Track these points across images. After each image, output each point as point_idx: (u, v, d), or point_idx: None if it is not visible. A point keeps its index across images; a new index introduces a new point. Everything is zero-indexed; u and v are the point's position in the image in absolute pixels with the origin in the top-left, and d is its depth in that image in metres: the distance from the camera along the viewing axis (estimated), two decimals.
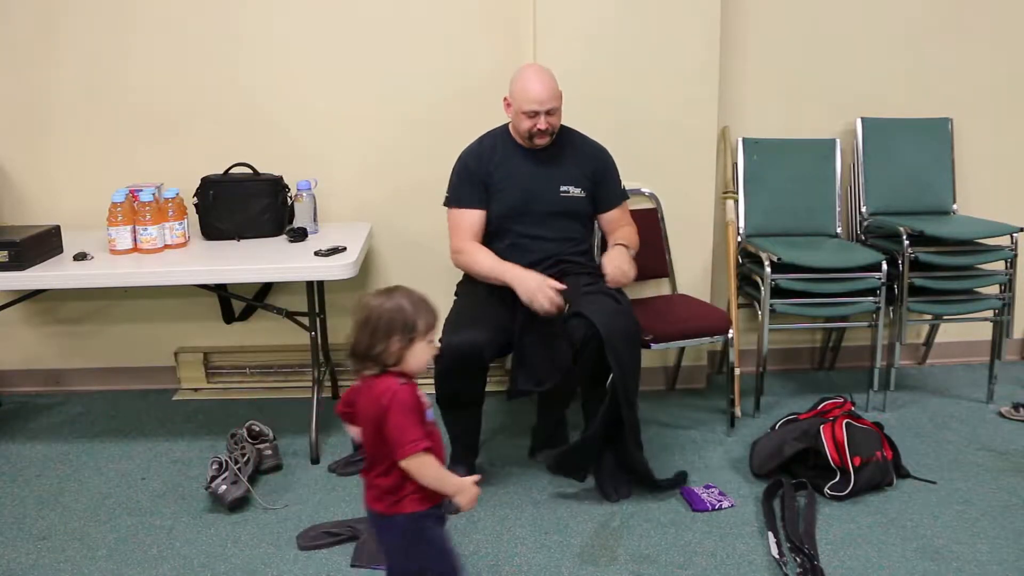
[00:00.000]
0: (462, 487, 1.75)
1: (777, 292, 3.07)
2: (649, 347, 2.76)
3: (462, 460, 2.68)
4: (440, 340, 2.50)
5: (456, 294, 2.81)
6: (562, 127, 2.75)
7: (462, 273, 2.88)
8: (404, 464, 1.69)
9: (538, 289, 2.49)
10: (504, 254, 2.71)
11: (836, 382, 3.50)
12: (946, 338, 3.65)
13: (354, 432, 1.83)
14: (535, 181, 2.70)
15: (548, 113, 2.61)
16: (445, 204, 2.77)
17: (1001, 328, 3.26)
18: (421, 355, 1.74)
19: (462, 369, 2.50)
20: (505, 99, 2.69)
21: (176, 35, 3.23)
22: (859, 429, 2.64)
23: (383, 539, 1.83)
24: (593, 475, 2.67)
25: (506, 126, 2.77)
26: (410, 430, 1.69)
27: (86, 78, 3.25)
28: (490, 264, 2.65)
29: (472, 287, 2.78)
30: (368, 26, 3.25)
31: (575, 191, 2.73)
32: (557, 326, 2.51)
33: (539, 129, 2.62)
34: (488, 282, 2.66)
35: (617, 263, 2.62)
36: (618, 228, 2.83)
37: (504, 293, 2.68)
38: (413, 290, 1.77)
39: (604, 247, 3.00)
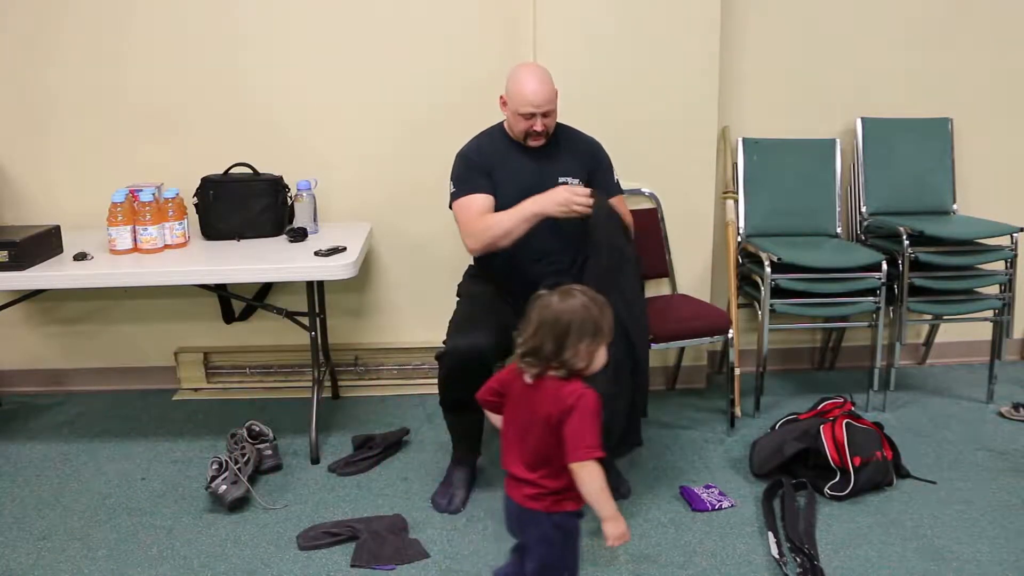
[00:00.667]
0: (618, 516, 1.72)
1: (777, 292, 3.07)
2: (649, 347, 2.76)
3: (465, 461, 2.68)
4: (444, 343, 2.51)
5: (458, 295, 2.81)
6: (556, 124, 2.75)
7: (463, 273, 2.88)
8: (575, 467, 1.68)
9: (569, 200, 2.48)
10: (505, 252, 2.70)
11: (836, 382, 3.50)
12: (946, 338, 3.65)
13: (496, 420, 1.86)
14: (534, 176, 2.69)
15: (544, 115, 2.60)
16: (452, 198, 2.70)
17: (1001, 328, 3.26)
18: (602, 357, 1.73)
19: (466, 372, 2.49)
20: (501, 97, 2.67)
21: (176, 35, 3.23)
22: (859, 429, 2.64)
23: (531, 533, 1.81)
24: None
25: (501, 124, 2.77)
26: (590, 435, 1.68)
27: (86, 78, 3.25)
28: (507, 216, 2.57)
29: (474, 288, 2.78)
30: (368, 26, 3.25)
31: (573, 182, 2.72)
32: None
33: (535, 131, 2.61)
34: (516, 236, 2.57)
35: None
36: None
37: (507, 293, 2.68)
38: (588, 289, 1.77)
39: None
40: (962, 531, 2.42)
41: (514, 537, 1.87)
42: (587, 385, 1.72)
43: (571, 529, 1.79)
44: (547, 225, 2.68)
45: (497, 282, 2.73)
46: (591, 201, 2.48)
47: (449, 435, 2.70)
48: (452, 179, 2.72)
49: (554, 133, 2.74)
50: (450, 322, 2.60)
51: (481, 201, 2.65)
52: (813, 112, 3.43)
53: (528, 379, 1.75)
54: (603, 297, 1.76)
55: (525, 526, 1.81)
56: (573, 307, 1.70)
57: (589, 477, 1.68)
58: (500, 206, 2.69)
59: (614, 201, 2.84)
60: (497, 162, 2.71)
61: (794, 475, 2.63)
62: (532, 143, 2.66)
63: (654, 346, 2.79)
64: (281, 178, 3.17)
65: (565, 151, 2.75)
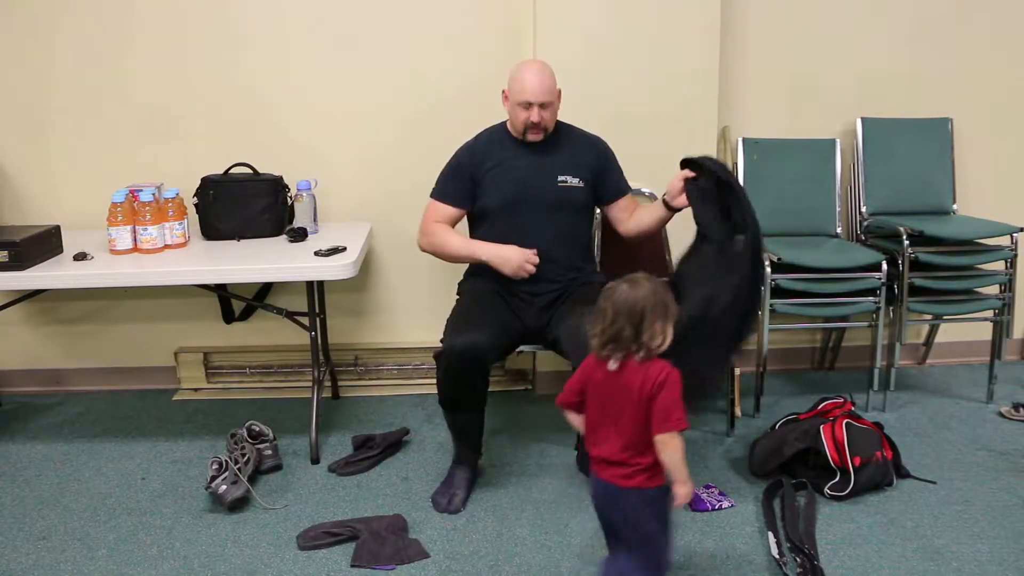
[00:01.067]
0: (690, 482, 1.87)
1: (777, 292, 3.07)
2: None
3: (466, 461, 2.68)
4: (441, 342, 2.51)
5: (458, 293, 2.81)
6: (559, 123, 2.76)
7: (464, 271, 2.88)
8: (663, 438, 1.82)
9: (521, 265, 2.59)
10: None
11: (836, 382, 3.50)
12: (946, 338, 3.65)
13: (576, 421, 1.98)
14: (531, 172, 2.70)
15: (541, 107, 2.61)
16: (431, 195, 2.79)
17: (1001, 328, 3.26)
18: (670, 335, 1.86)
19: (463, 371, 2.50)
20: (504, 91, 2.69)
21: (176, 35, 3.23)
22: (859, 429, 2.64)
23: (630, 511, 1.90)
24: (578, 463, 2.75)
25: (503, 123, 2.78)
26: (677, 408, 1.83)
27: (86, 78, 3.25)
28: (460, 243, 2.70)
29: (474, 286, 2.78)
30: (368, 26, 3.25)
31: (573, 181, 2.72)
32: None
33: (532, 122, 2.62)
34: (460, 262, 2.73)
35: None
36: (633, 212, 2.81)
37: (507, 292, 2.69)
38: (648, 275, 1.89)
39: (604, 241, 3.01)
40: (962, 531, 2.42)
41: (610, 520, 1.97)
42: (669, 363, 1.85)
43: (666, 501, 1.91)
44: (548, 226, 2.69)
45: (498, 280, 2.73)
46: (533, 267, 2.59)
47: (450, 435, 2.70)
48: (440, 173, 2.78)
49: (557, 131, 2.74)
50: (447, 321, 2.61)
51: (445, 213, 2.75)
52: (813, 112, 3.43)
53: (612, 366, 1.86)
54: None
55: (624, 505, 1.91)
56: (644, 293, 1.83)
57: (674, 447, 1.83)
58: (495, 200, 2.70)
59: (627, 198, 2.84)
60: (493, 160, 2.71)
61: (794, 475, 2.63)
62: (531, 137, 2.67)
63: None
64: (281, 178, 3.17)
65: (566, 148, 2.74)
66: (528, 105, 2.61)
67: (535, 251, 2.63)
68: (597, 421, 1.92)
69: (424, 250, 2.80)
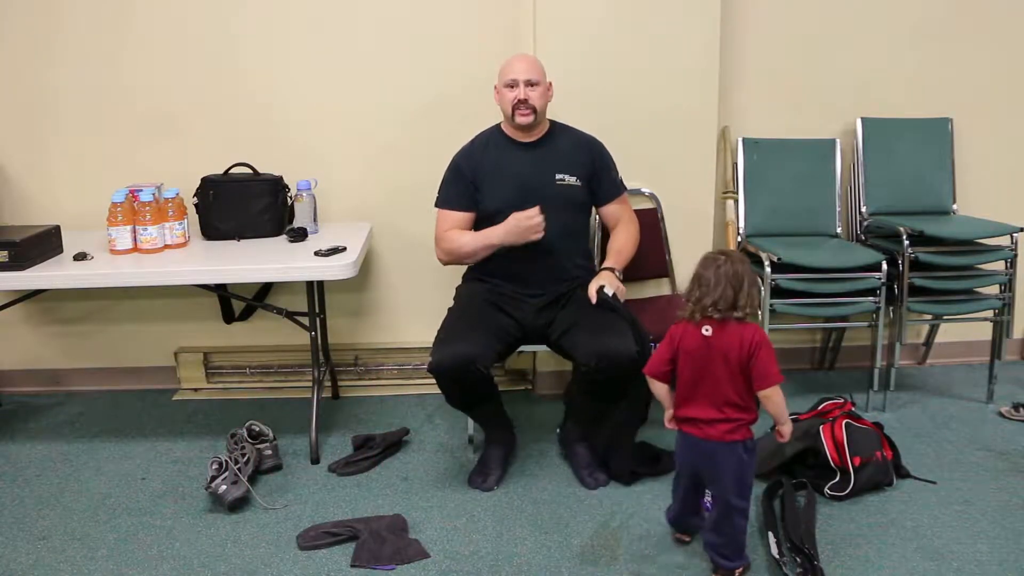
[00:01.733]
0: (789, 420, 2.14)
1: (777, 292, 3.07)
2: (650, 348, 2.76)
3: (497, 440, 2.76)
4: (431, 354, 2.52)
5: (454, 298, 2.81)
6: (554, 123, 2.78)
7: (462, 274, 2.88)
8: (767, 392, 2.06)
9: (528, 228, 2.59)
10: (502, 252, 2.70)
11: (836, 382, 3.50)
12: (946, 338, 3.65)
13: (663, 392, 2.19)
14: (529, 172, 2.71)
15: (528, 84, 2.64)
16: (435, 204, 2.80)
17: (1001, 328, 3.26)
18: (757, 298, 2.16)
19: (459, 382, 2.53)
20: (495, 87, 2.73)
21: (176, 35, 3.23)
22: (859, 429, 2.64)
23: (729, 462, 2.12)
24: (569, 463, 2.77)
25: (498, 125, 2.79)
26: (774, 364, 2.06)
27: (86, 78, 3.25)
28: (471, 239, 2.71)
29: (469, 291, 2.79)
30: (368, 26, 3.25)
31: (571, 179, 2.73)
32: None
33: (519, 100, 2.64)
34: (480, 258, 2.74)
35: (593, 291, 2.63)
36: (618, 223, 2.84)
37: (501, 297, 2.68)
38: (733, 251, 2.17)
39: (604, 240, 3.01)
40: (962, 531, 2.42)
41: (703, 476, 2.19)
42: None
43: (753, 449, 2.15)
44: (549, 225, 2.68)
45: (494, 283, 2.73)
46: (540, 219, 2.59)
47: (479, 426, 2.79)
48: (441, 181, 2.79)
49: (552, 131, 2.76)
50: (437, 332, 2.62)
51: (454, 219, 2.75)
52: (813, 112, 3.43)
53: (707, 331, 2.08)
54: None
55: (723, 458, 2.12)
56: (741, 264, 2.09)
57: (778, 397, 2.08)
58: (495, 201, 2.70)
59: (618, 201, 2.85)
60: (490, 162, 2.72)
61: (794, 475, 2.63)
62: (520, 119, 2.67)
63: (654, 346, 2.79)
64: (281, 178, 3.17)
65: (563, 147, 2.76)
66: (514, 83, 2.64)
67: (535, 209, 2.60)
68: (692, 383, 2.12)
69: (444, 261, 2.81)
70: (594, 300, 2.60)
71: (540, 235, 2.61)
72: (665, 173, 3.26)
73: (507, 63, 2.72)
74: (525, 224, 2.60)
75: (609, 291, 2.60)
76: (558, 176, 2.72)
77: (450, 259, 2.78)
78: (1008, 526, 2.44)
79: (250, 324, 3.43)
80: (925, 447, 2.91)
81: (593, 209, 2.91)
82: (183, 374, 3.48)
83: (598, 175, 2.79)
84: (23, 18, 3.19)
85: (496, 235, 2.66)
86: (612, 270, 2.71)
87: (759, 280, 2.12)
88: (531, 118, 2.67)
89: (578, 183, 2.74)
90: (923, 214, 3.36)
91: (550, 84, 2.74)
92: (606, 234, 2.96)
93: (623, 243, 2.80)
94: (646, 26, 3.15)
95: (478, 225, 2.78)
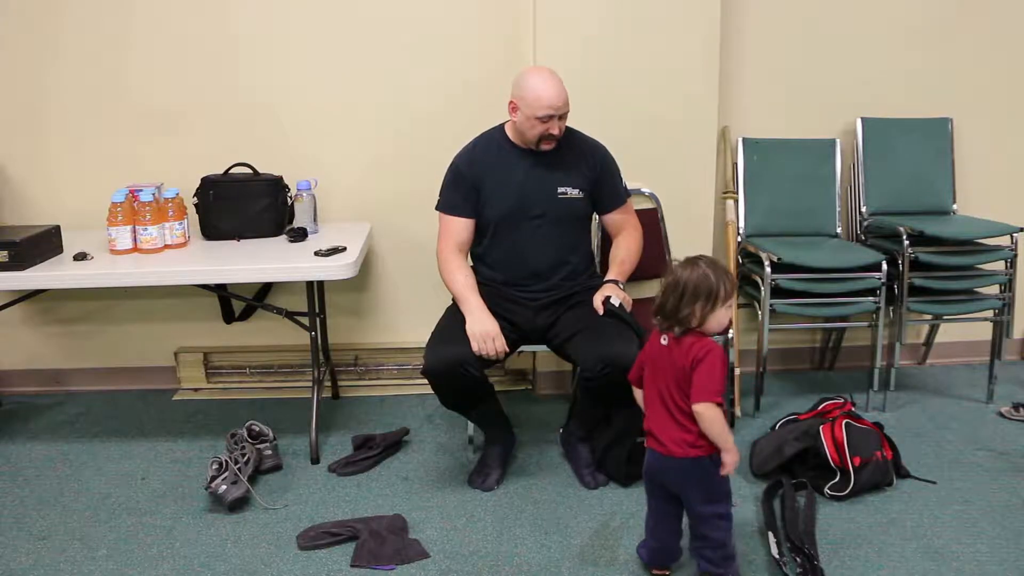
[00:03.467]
0: (735, 449, 2.00)
1: (777, 292, 3.07)
2: None
3: (495, 440, 2.76)
4: (424, 356, 2.52)
5: (452, 299, 2.81)
6: None
7: None
8: (699, 408, 1.94)
9: (481, 338, 2.52)
10: (501, 261, 2.70)
11: (836, 382, 3.50)
12: (946, 338, 3.65)
13: (640, 397, 2.13)
14: (531, 183, 2.66)
15: (560, 117, 2.56)
16: (436, 208, 2.75)
17: (1001, 328, 3.26)
18: (722, 318, 1.98)
19: (452, 384, 2.53)
20: (512, 102, 2.60)
21: (176, 35, 3.23)
22: (859, 429, 2.64)
23: (695, 477, 2.04)
24: (569, 463, 2.77)
25: (501, 127, 2.74)
26: (716, 382, 1.94)
27: (86, 78, 3.25)
28: (457, 289, 2.65)
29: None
30: (368, 26, 3.25)
31: (573, 192, 2.69)
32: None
33: (551, 134, 2.57)
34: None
35: (599, 302, 2.62)
36: (621, 231, 2.81)
37: (499, 300, 2.68)
38: (716, 259, 2.01)
39: (604, 248, 3.01)
40: (962, 531, 2.42)
41: (672, 490, 2.09)
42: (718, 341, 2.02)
43: (718, 467, 2.02)
44: (549, 237, 2.68)
45: (495, 286, 2.72)
46: (500, 349, 2.54)
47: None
48: (442, 184, 2.75)
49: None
50: (431, 334, 2.62)
51: (457, 227, 2.71)
52: (813, 112, 3.43)
53: (664, 340, 2.02)
54: (726, 267, 2.01)
55: (688, 474, 2.04)
56: (692, 274, 1.95)
57: (710, 417, 1.94)
58: (495, 212, 2.68)
59: (621, 210, 2.83)
60: (492, 169, 2.68)
61: (794, 475, 2.63)
62: (544, 147, 2.61)
63: None
64: (281, 178, 3.17)
65: (567, 157, 2.70)
66: (549, 118, 2.54)
67: (502, 342, 2.53)
68: (649, 393, 2.07)
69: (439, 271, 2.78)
70: (601, 311, 2.59)
71: (492, 356, 2.54)
72: (665, 173, 3.26)
73: (534, 86, 2.53)
74: (483, 342, 2.51)
75: (616, 302, 2.59)
76: (560, 189, 2.67)
77: (440, 273, 2.74)
78: (1008, 526, 2.44)
79: (250, 324, 3.43)
80: (925, 447, 2.91)
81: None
82: (183, 374, 3.49)
83: (601, 184, 2.74)
84: (23, 18, 3.19)
85: (467, 312, 2.58)
86: (616, 282, 2.69)
87: (718, 291, 1.94)
88: (555, 146, 2.62)
89: (580, 195, 2.70)
90: (923, 214, 3.36)
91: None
92: (606, 237, 2.95)
93: (626, 254, 2.77)
94: (646, 26, 3.14)
95: (477, 231, 2.74)
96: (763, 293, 3.07)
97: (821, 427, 2.63)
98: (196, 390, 3.48)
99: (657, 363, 2.04)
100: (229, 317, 3.39)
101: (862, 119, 3.40)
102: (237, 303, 3.37)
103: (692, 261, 1.98)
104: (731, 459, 1.99)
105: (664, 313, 1.99)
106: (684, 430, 2.00)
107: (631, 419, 2.63)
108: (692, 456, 2.01)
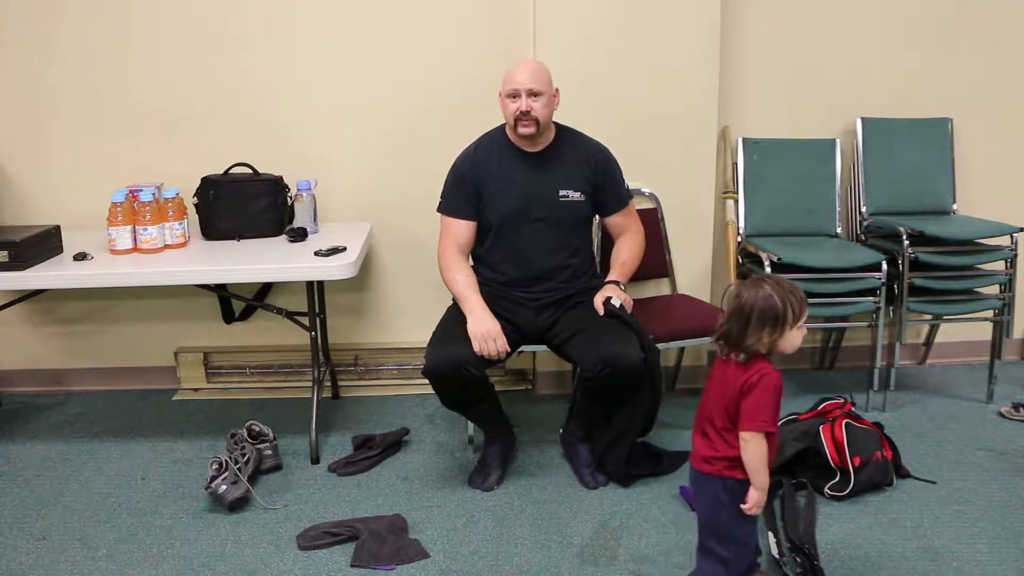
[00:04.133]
0: (765, 489, 1.86)
1: None
2: (656, 356, 2.75)
3: (495, 439, 2.76)
4: (425, 356, 2.52)
5: (453, 299, 2.81)
6: (561, 128, 2.73)
7: None
8: (746, 435, 1.82)
9: (483, 338, 2.51)
10: (502, 263, 2.70)
11: (836, 382, 3.50)
12: (946, 338, 3.65)
13: None
14: (532, 186, 2.66)
15: (531, 95, 2.54)
16: (438, 209, 2.75)
17: (1001, 328, 3.26)
18: (794, 340, 1.86)
19: (451, 384, 2.52)
20: (500, 94, 2.64)
21: (176, 35, 3.23)
22: (859, 429, 2.64)
23: (704, 496, 1.97)
24: (569, 463, 2.77)
25: (502, 127, 2.74)
26: (766, 410, 1.82)
27: (86, 78, 3.25)
28: (459, 289, 2.66)
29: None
30: (368, 26, 3.25)
31: (575, 195, 2.68)
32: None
33: (521, 112, 2.55)
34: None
35: (600, 303, 2.63)
36: (623, 233, 2.82)
37: (499, 300, 2.68)
38: (782, 279, 1.88)
39: (605, 249, 3.01)
40: (962, 531, 2.42)
41: (695, 507, 2.06)
42: (775, 368, 1.85)
43: (739, 495, 1.88)
44: (550, 240, 2.68)
45: (495, 287, 2.72)
46: (502, 350, 2.53)
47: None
48: (444, 185, 2.75)
49: (558, 138, 2.71)
50: (432, 333, 2.62)
51: (458, 228, 2.71)
52: (813, 112, 3.43)
53: (724, 357, 1.90)
54: (794, 287, 1.86)
55: (699, 489, 1.98)
56: (757, 298, 1.82)
57: (757, 448, 1.83)
58: (496, 214, 2.68)
59: (622, 213, 2.82)
60: (493, 172, 2.68)
61: (794, 475, 2.63)
62: (522, 129, 2.59)
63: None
64: (281, 178, 3.17)
65: (568, 160, 2.70)
66: (516, 93, 2.55)
67: (503, 342, 2.54)
68: (699, 410, 1.97)
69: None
70: (602, 312, 2.59)
71: (487, 355, 2.53)
72: (665, 173, 3.26)
73: (510, 71, 2.60)
74: (485, 342, 2.51)
75: (616, 303, 2.60)
76: (561, 192, 2.67)
77: (441, 273, 2.75)
78: (1008, 526, 2.44)
79: (250, 324, 3.43)
80: (925, 447, 2.91)
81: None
82: (183, 374, 3.49)
83: (603, 187, 2.74)
84: (23, 18, 3.20)
85: (468, 312, 2.58)
86: (617, 283, 2.69)
87: (785, 315, 1.81)
88: (532, 129, 2.58)
89: (581, 198, 2.69)
90: (923, 214, 3.36)
91: (556, 91, 2.64)
92: (607, 238, 2.95)
93: (627, 256, 2.77)
94: (646, 26, 3.15)
95: (479, 233, 2.74)
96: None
97: (821, 427, 2.63)
98: (196, 390, 3.48)
99: (714, 383, 1.93)
100: (229, 317, 3.39)
101: (862, 119, 3.40)
102: (237, 303, 3.37)
103: (757, 282, 1.86)
104: (756, 498, 1.86)
105: (729, 340, 1.87)
106: (707, 443, 1.92)
107: (631, 419, 2.64)
108: (704, 472, 1.93)
